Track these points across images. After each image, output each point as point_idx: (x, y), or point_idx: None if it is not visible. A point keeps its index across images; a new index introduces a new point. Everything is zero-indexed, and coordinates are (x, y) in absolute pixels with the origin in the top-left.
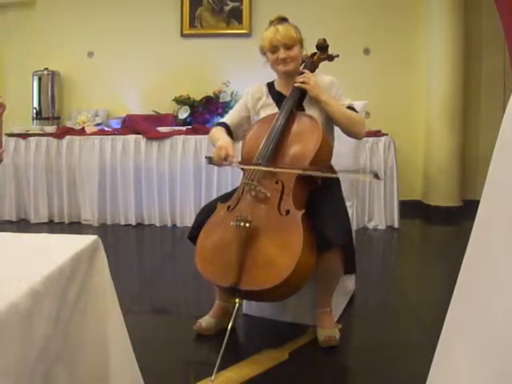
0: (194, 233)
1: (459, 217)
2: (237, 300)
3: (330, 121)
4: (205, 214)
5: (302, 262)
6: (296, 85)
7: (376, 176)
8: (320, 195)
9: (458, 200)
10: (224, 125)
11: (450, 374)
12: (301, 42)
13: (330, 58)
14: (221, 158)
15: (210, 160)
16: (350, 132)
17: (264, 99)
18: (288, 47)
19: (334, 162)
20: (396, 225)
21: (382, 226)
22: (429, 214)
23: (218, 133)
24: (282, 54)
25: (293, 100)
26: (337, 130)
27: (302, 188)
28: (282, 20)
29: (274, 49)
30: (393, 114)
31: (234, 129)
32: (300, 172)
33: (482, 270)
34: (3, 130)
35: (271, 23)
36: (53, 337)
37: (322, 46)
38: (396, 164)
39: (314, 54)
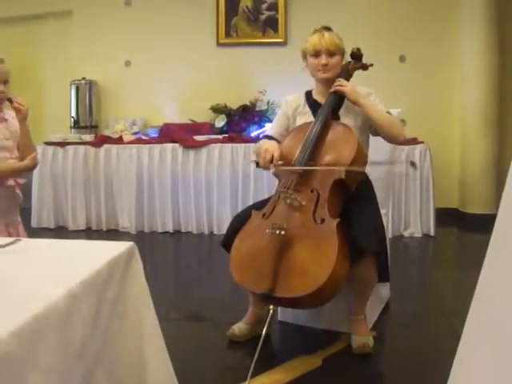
0: (227, 240)
1: None
2: (271, 307)
3: (365, 130)
4: (238, 221)
5: (336, 270)
6: (333, 89)
7: (412, 164)
8: (353, 203)
9: (495, 208)
10: (269, 137)
11: (469, 377)
12: (342, 53)
13: (364, 67)
14: (266, 160)
15: (257, 164)
16: (390, 134)
17: (301, 107)
18: (331, 54)
19: (369, 170)
20: (432, 233)
21: (418, 234)
22: (465, 222)
23: (264, 142)
24: (323, 59)
25: (328, 108)
26: (372, 139)
27: (336, 196)
28: (327, 29)
29: (316, 53)
30: (428, 121)
31: (280, 138)
32: (341, 169)
33: (500, 274)
34: (30, 134)
35: (316, 31)
36: (92, 338)
37: (356, 55)
38: (432, 172)
39: (349, 62)
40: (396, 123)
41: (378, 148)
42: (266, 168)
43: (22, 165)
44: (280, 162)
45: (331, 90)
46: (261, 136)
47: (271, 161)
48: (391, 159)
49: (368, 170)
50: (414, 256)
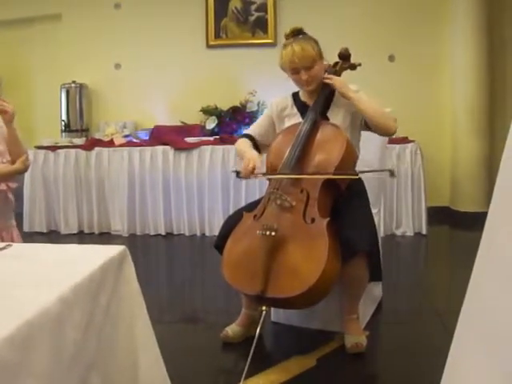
0: (220, 242)
1: None
2: (263, 308)
3: (354, 129)
4: (231, 223)
5: (327, 269)
6: (325, 80)
7: (392, 174)
8: (344, 202)
9: (486, 205)
10: (249, 136)
11: (463, 375)
12: (320, 56)
13: (353, 66)
14: (248, 170)
15: (237, 174)
16: (381, 126)
17: (289, 109)
18: (308, 67)
19: (360, 168)
20: (424, 231)
21: (410, 233)
22: (457, 220)
23: (244, 146)
24: (303, 75)
25: (316, 109)
26: (362, 138)
27: (326, 195)
28: (298, 33)
29: (294, 70)
30: (419, 120)
31: (260, 139)
32: (326, 177)
33: (492, 272)
34: (18, 136)
35: (287, 38)
36: (85, 342)
37: (345, 55)
38: (423, 170)
39: (337, 63)
40: (387, 115)
41: (368, 147)
42: (247, 178)
43: (12, 168)
44: (261, 172)
45: (324, 80)
46: (241, 134)
47: (253, 171)
48: (381, 161)
49: (359, 168)
50: (407, 255)
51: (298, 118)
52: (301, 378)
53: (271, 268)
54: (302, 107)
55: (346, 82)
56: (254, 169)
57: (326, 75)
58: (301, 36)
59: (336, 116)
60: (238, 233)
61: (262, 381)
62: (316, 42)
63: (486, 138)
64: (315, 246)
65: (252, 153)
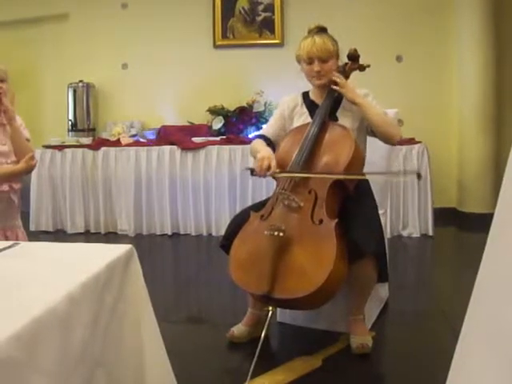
0: (226, 241)
1: None
2: (270, 308)
3: (362, 130)
4: (237, 222)
5: (334, 271)
6: (333, 87)
7: (419, 176)
8: (352, 203)
9: (493, 206)
10: (263, 137)
11: (468, 376)
12: (337, 55)
13: (362, 67)
14: (263, 168)
15: (252, 171)
16: (386, 134)
17: (298, 108)
18: (323, 60)
19: (367, 170)
20: (430, 232)
21: (416, 234)
22: (464, 222)
23: (259, 145)
24: (316, 66)
25: (325, 109)
26: (369, 140)
27: (334, 197)
28: (321, 30)
29: (309, 60)
30: (426, 121)
31: (274, 139)
32: (339, 177)
33: (498, 273)
34: (22, 134)
35: (310, 32)
36: (92, 341)
37: (354, 56)
38: (430, 171)
39: (346, 64)
40: (392, 123)
41: (375, 148)
42: (262, 176)
43: (15, 168)
44: (277, 170)
45: (332, 87)
46: (255, 135)
47: (268, 169)
48: (388, 162)
49: (366, 170)
50: (413, 256)
51: (306, 117)
52: (306, 379)
53: (278, 268)
54: (311, 106)
55: (353, 88)
56: (269, 167)
57: (335, 74)
58: (324, 33)
59: (345, 117)
60: (244, 232)
61: (268, 381)
62: (336, 42)
63: (493, 139)
64: (323, 247)
65: (267, 151)
